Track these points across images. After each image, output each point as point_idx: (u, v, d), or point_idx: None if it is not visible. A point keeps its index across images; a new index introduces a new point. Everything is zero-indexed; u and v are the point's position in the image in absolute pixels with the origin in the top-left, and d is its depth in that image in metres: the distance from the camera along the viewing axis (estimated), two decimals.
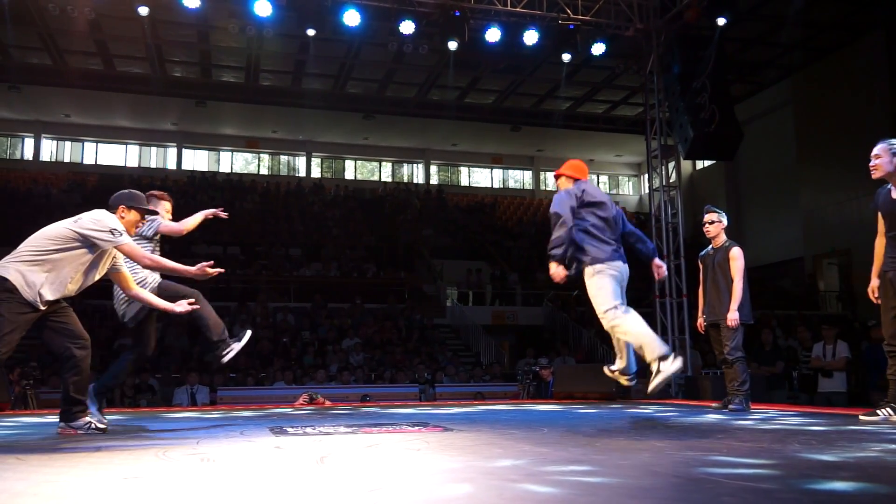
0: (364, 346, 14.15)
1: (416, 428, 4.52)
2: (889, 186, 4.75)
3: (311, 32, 11.55)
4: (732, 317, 6.01)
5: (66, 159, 25.49)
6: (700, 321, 6.48)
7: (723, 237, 6.37)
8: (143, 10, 11.46)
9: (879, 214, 4.84)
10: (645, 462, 2.89)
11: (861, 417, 4.78)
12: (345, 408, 7.49)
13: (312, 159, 27.89)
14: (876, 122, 17.04)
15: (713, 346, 6.49)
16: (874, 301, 4.88)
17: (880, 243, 4.83)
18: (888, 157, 4.68)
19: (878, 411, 4.74)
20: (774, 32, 17.15)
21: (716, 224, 6.35)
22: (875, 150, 4.76)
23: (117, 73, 19.45)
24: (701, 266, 6.55)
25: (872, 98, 17.63)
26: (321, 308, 16.01)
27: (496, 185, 29.96)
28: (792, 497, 2.17)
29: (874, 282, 4.85)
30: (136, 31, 16.24)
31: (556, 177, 5.43)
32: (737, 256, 6.16)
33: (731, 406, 6.05)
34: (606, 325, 5.02)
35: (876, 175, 4.75)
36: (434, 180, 28.85)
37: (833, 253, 19.34)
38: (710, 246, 6.46)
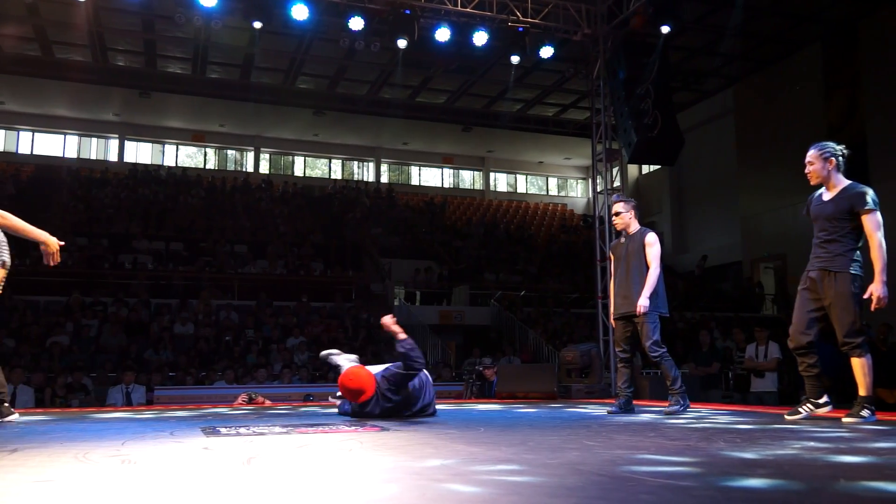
0: (309, 345, 14.01)
1: (353, 428, 4.49)
2: (822, 191, 4.86)
3: (257, 25, 11.40)
4: (642, 303, 5.65)
5: (0, 148, 24.61)
6: (610, 313, 6.12)
7: (634, 225, 6.06)
8: None
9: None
10: (572, 461, 2.93)
11: (786, 417, 4.93)
12: (284, 408, 7.41)
13: (261, 155, 27.52)
14: (812, 132, 17.56)
15: (616, 341, 6.10)
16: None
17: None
18: (820, 162, 4.79)
19: (799, 409, 4.90)
20: (717, 43, 17.60)
21: (621, 215, 6.06)
22: (808, 157, 4.85)
23: (56, 60, 18.86)
24: (612, 258, 6.24)
25: (808, 109, 18.23)
26: (266, 306, 15.80)
27: (446, 185, 30.02)
28: (708, 494, 2.22)
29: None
30: (76, 18, 15.78)
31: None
32: (652, 242, 5.85)
33: (667, 410, 5.72)
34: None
35: (812, 181, 4.85)
36: (384, 179, 28.77)
37: (769, 257, 19.94)
38: (622, 236, 6.15)
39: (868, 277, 4.57)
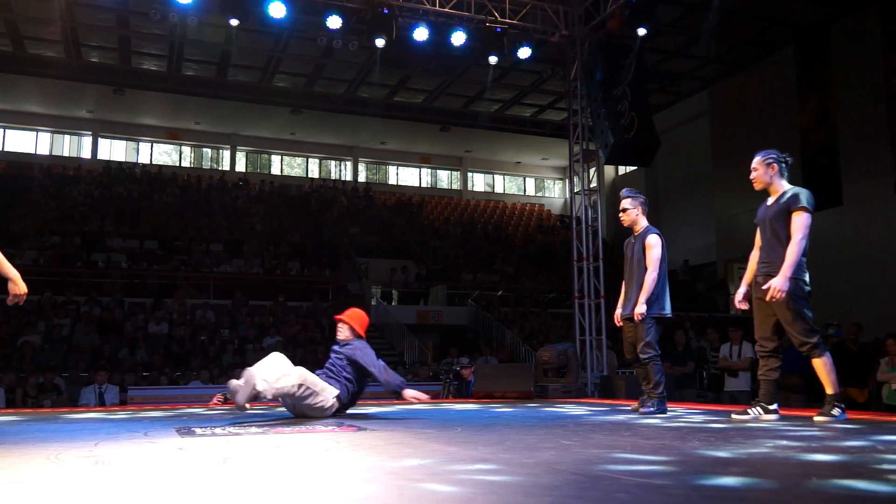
0: (286, 344, 13.93)
1: (330, 428, 4.48)
2: (767, 198, 4.96)
3: (234, 23, 11.31)
4: (639, 310, 5.56)
5: None
6: (616, 314, 6.02)
7: (642, 222, 5.90)
8: None
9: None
10: (549, 460, 2.94)
11: (733, 416, 4.97)
12: (260, 408, 7.35)
13: (237, 153, 27.31)
14: (785, 134, 17.87)
15: (624, 342, 6.00)
16: (737, 307, 5.10)
17: (754, 256, 5.03)
18: (763, 168, 4.93)
19: (748, 410, 4.96)
20: (693, 45, 17.78)
21: (627, 212, 5.90)
22: (752, 164, 4.97)
23: (29, 56, 18.59)
24: (625, 255, 6.06)
25: (782, 110, 18.50)
26: (242, 305, 15.69)
27: (424, 185, 30.01)
28: (682, 493, 2.24)
29: (743, 289, 5.06)
30: (49, 13, 15.55)
31: (338, 321, 5.69)
32: (653, 244, 5.70)
33: (641, 409, 5.70)
34: None
35: (757, 187, 4.98)
36: (362, 178, 28.69)
37: (743, 258, 20.15)
38: (631, 234, 6.01)
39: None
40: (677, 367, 10.85)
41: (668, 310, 5.77)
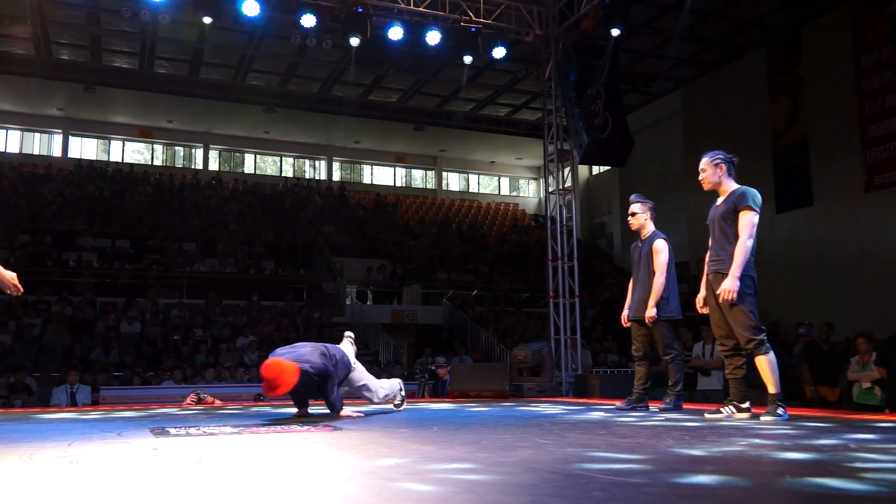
0: (260, 344, 13.84)
1: (305, 428, 4.46)
2: (717, 199, 5.04)
3: (207, 20, 11.23)
4: (649, 314, 5.75)
5: None
6: (623, 315, 6.14)
7: (649, 227, 6.04)
8: None
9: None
10: (525, 459, 2.96)
11: (706, 416, 5.05)
12: (235, 407, 7.31)
13: (210, 152, 27.05)
14: (757, 134, 18.11)
15: (633, 340, 6.11)
16: (699, 311, 5.15)
17: (708, 257, 5.09)
18: (711, 169, 5.01)
19: (721, 409, 5.03)
20: (665, 46, 17.93)
21: (636, 216, 6.05)
22: (700, 164, 5.06)
23: None
24: (631, 258, 6.24)
25: (753, 111, 18.72)
26: (215, 305, 15.54)
27: (399, 184, 29.95)
28: (657, 491, 2.27)
29: (702, 292, 5.10)
30: (19, 10, 15.30)
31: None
32: (660, 249, 5.85)
33: (661, 406, 5.86)
34: None
35: (706, 187, 5.07)
36: (336, 177, 28.57)
37: None
38: (638, 238, 6.16)
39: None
40: (652, 365, 10.94)
41: (677, 312, 5.94)
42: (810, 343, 9.54)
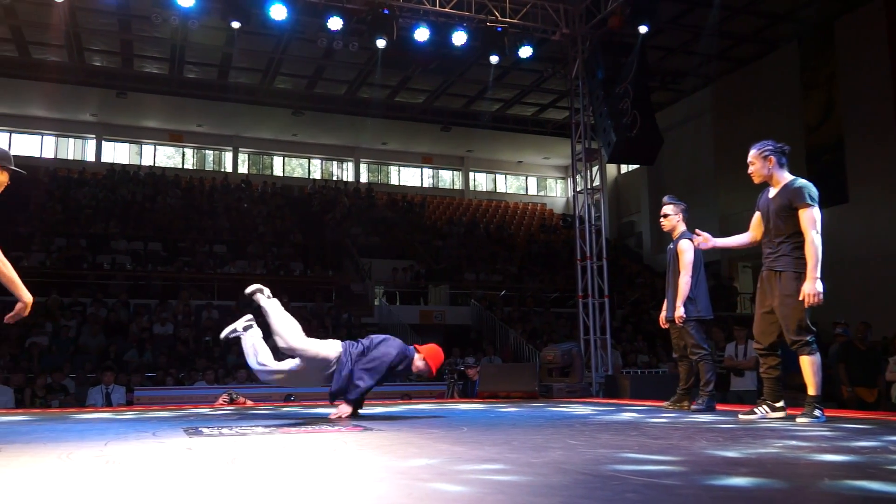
0: None
1: (335, 428, 4.48)
2: (769, 188, 4.92)
3: (235, 25, 11.31)
4: (678, 314, 5.79)
5: None
6: (661, 317, 6.20)
7: (680, 228, 6.05)
8: None
9: (757, 214, 5.02)
10: (556, 460, 2.94)
11: (740, 416, 4.97)
12: (266, 408, 7.37)
13: (239, 155, 27.33)
14: (789, 130, 17.80)
15: (674, 342, 6.16)
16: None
17: (742, 237, 5.11)
18: (760, 161, 4.86)
19: (755, 409, 4.95)
20: (695, 42, 17.73)
21: (669, 217, 6.08)
22: (749, 157, 4.93)
23: (33, 61, 18.68)
24: (667, 261, 6.26)
25: (785, 107, 18.44)
26: (246, 306, 15.66)
27: (426, 185, 29.99)
28: (692, 493, 2.24)
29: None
30: (52, 18, 15.59)
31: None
32: (685, 249, 5.87)
33: (693, 406, 5.89)
34: None
35: (756, 180, 4.95)
36: (363, 179, 28.69)
37: (747, 256, 20.13)
38: (671, 239, 6.18)
39: (824, 276, 4.56)
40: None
41: (706, 311, 5.91)
42: (847, 343, 9.37)
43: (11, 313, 4.06)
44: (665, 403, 6.22)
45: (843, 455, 3.02)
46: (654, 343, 15.41)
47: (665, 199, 6.23)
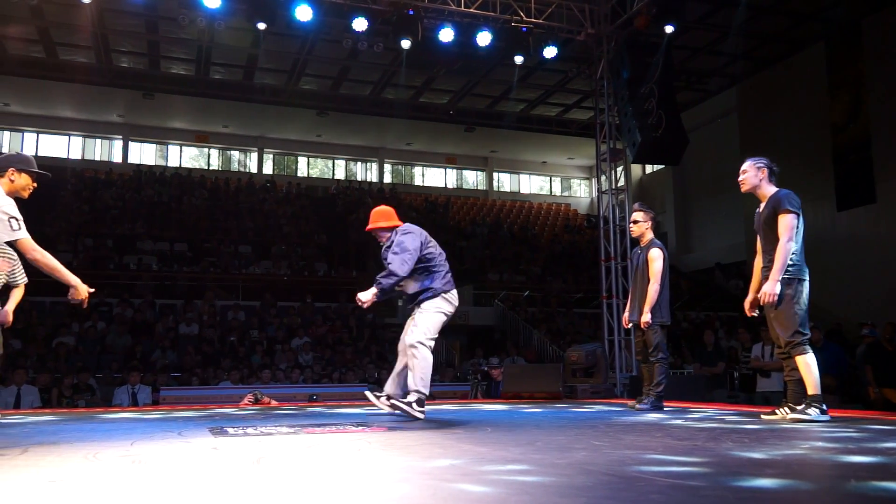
0: (314, 345, 14.04)
1: (360, 428, 4.50)
2: (760, 205, 5.04)
3: (261, 26, 11.41)
4: (644, 319, 6.13)
5: (5, 150, 24.62)
6: (625, 317, 6.60)
7: (648, 236, 6.40)
8: None
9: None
10: (580, 461, 2.93)
11: (762, 417, 5.01)
12: (290, 408, 7.42)
13: (264, 155, 27.54)
14: (815, 132, 17.60)
15: (635, 344, 6.61)
16: (748, 314, 5.16)
17: (758, 262, 5.11)
18: (753, 171, 5.01)
19: (776, 410, 4.99)
20: (720, 42, 17.56)
21: (639, 224, 6.40)
22: (743, 166, 5.08)
23: (60, 62, 18.94)
24: (630, 264, 6.68)
25: (812, 107, 18.18)
26: (271, 307, 15.82)
27: (450, 186, 30.00)
28: (717, 494, 2.22)
29: (750, 296, 5.12)
30: (80, 20, 15.82)
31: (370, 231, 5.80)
32: (654, 258, 6.19)
33: (638, 406, 6.22)
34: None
35: (744, 189, 5.09)
36: (387, 179, 28.77)
37: None
38: (637, 245, 6.52)
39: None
40: (707, 367, 10.75)
41: (667, 317, 6.27)
42: (874, 344, 9.22)
43: (71, 298, 4.33)
44: (631, 404, 6.55)
45: (869, 456, 2.99)
46: (679, 344, 15.29)
47: (636, 205, 6.59)
